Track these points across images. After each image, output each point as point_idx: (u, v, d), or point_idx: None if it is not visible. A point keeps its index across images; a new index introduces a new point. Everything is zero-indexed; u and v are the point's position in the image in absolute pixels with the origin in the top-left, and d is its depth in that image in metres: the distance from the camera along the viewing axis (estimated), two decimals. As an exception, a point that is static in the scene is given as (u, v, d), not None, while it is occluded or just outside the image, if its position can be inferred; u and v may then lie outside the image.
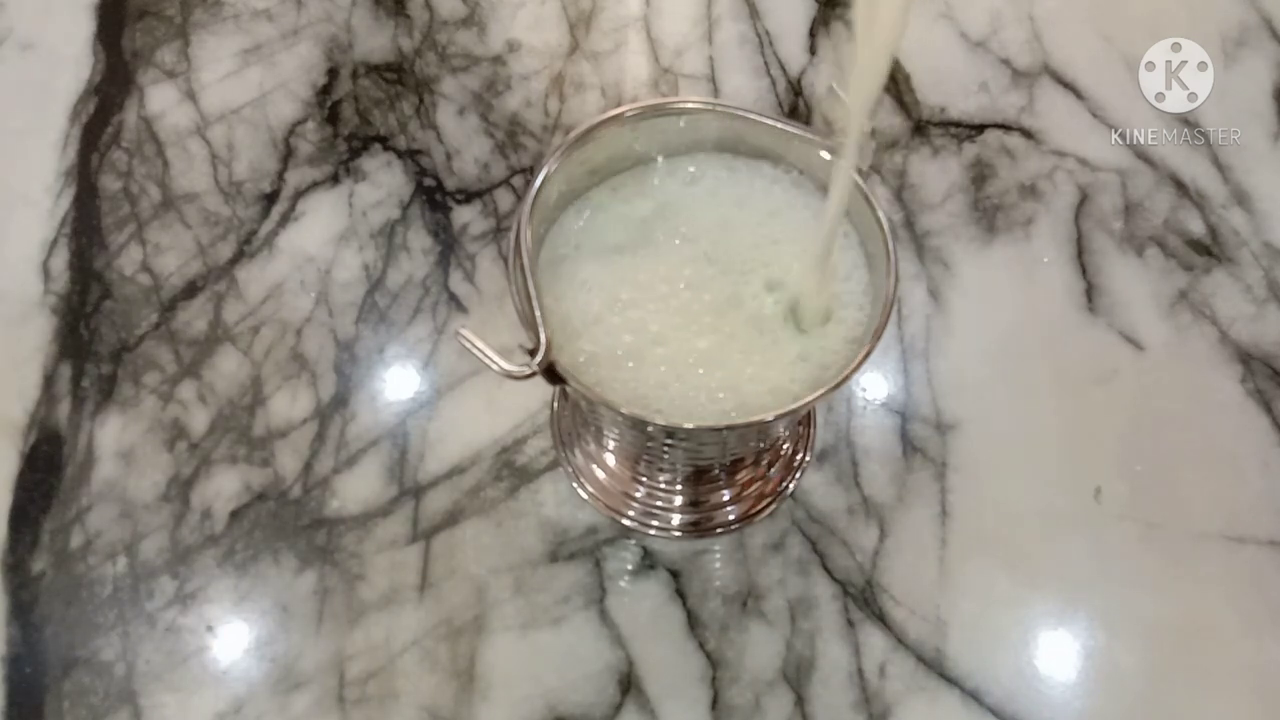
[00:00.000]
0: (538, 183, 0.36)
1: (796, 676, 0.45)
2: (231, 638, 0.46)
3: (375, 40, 0.61)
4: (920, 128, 0.59)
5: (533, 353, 0.33)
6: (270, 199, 0.56)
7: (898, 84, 0.60)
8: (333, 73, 0.60)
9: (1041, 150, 0.58)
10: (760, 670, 0.46)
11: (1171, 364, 0.52)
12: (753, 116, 0.38)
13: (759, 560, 0.48)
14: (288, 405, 0.51)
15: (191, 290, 0.54)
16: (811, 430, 0.50)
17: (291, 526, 0.48)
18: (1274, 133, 0.59)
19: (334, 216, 0.56)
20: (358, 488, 0.49)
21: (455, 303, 0.54)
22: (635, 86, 0.60)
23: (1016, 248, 0.55)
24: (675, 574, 0.47)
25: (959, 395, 0.51)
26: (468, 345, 0.34)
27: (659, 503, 0.48)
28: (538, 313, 0.33)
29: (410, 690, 0.45)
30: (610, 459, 0.49)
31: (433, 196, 0.57)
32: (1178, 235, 0.56)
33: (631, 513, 0.48)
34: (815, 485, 0.49)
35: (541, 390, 0.51)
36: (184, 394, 0.51)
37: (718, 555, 0.48)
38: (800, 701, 0.45)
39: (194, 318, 0.53)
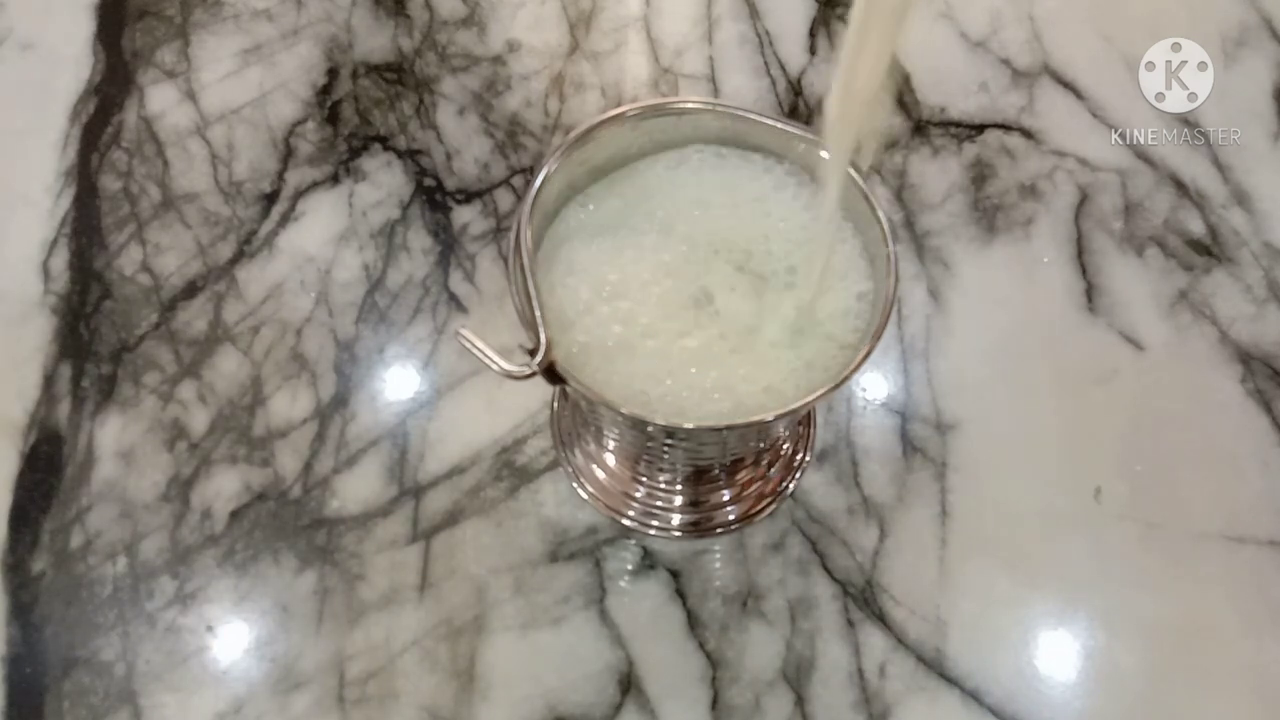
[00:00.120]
0: (538, 183, 0.36)
1: (796, 676, 0.45)
2: (231, 638, 0.46)
3: (375, 40, 0.61)
4: (920, 128, 0.59)
5: (533, 353, 0.33)
6: (270, 199, 0.56)
7: (898, 84, 0.60)
8: (333, 73, 0.60)
9: (1041, 150, 0.58)
10: (760, 670, 0.46)
11: (1171, 364, 0.52)
12: (753, 116, 0.38)
13: (759, 560, 0.48)
14: (288, 405, 0.51)
15: (191, 290, 0.54)
16: (811, 430, 0.50)
17: (291, 526, 0.48)
18: (1274, 133, 0.59)
19: (334, 216, 0.56)
20: (358, 488, 0.49)
21: (455, 303, 0.54)
22: (635, 86, 0.60)
23: (1016, 248, 0.55)
24: (675, 574, 0.47)
25: (959, 395, 0.51)
26: (468, 345, 0.34)
27: (659, 503, 0.48)
28: (538, 313, 0.33)
29: (410, 690, 0.45)
30: (610, 459, 0.49)
31: (433, 196, 0.57)
32: (1178, 235, 0.56)
33: (631, 513, 0.48)
34: (815, 485, 0.49)
35: (541, 390, 0.51)
36: (184, 394, 0.51)
37: (718, 555, 0.48)
38: (800, 701, 0.45)
39: (194, 318, 0.53)
